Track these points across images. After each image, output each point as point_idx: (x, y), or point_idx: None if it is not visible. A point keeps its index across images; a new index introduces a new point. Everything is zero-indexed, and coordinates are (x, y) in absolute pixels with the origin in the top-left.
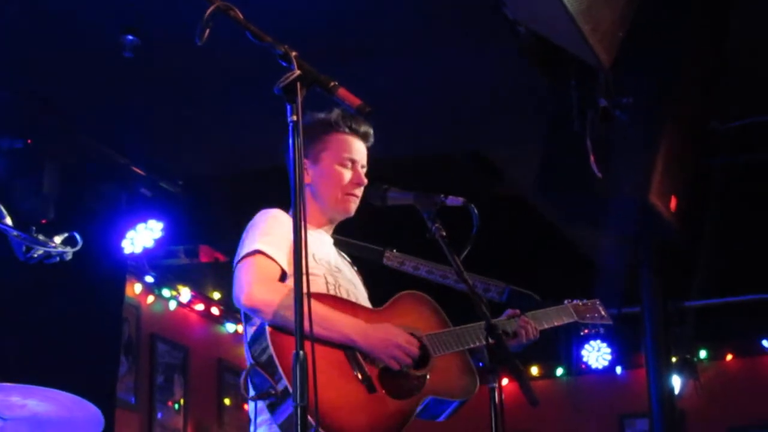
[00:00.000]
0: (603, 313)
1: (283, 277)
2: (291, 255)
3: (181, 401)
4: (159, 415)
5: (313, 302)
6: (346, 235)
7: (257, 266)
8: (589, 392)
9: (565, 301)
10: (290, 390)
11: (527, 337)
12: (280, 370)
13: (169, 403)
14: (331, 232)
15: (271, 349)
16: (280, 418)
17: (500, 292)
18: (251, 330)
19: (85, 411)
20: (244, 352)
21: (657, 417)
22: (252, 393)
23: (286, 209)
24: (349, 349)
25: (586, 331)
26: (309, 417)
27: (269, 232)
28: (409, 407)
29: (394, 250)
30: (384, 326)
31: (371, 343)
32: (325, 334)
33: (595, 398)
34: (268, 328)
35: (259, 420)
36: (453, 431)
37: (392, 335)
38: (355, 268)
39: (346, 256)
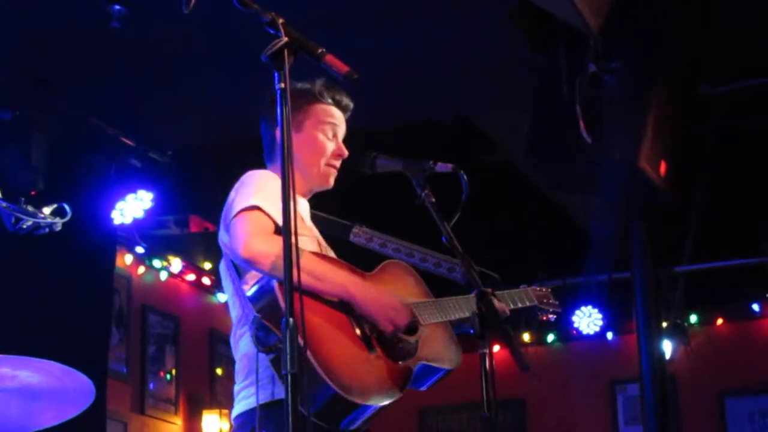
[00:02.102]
0: (553, 300)
1: (278, 233)
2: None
3: (173, 371)
4: (151, 386)
5: (312, 256)
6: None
7: (254, 220)
8: (581, 358)
9: (522, 286)
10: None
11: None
12: None
13: (161, 374)
14: (307, 199)
15: (281, 304)
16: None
17: (462, 272)
18: (247, 287)
19: (76, 381)
20: (238, 310)
21: (648, 382)
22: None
23: None
24: (349, 309)
25: (542, 317)
26: (320, 371)
27: (263, 189)
28: (406, 370)
29: (363, 226)
30: (381, 288)
31: (369, 302)
32: (322, 287)
33: (586, 364)
34: (275, 284)
35: (250, 380)
36: (445, 397)
37: (390, 297)
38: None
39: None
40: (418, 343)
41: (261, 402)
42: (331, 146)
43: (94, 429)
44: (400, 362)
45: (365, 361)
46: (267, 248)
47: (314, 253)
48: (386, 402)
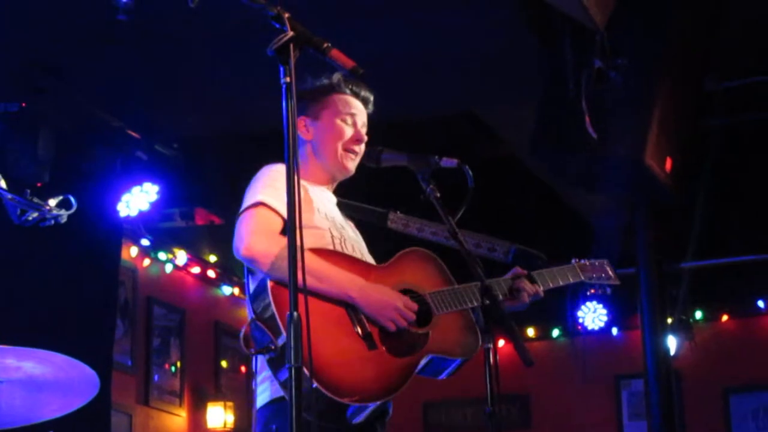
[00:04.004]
0: (610, 273)
1: (285, 229)
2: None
3: (178, 364)
4: (156, 378)
5: (313, 256)
6: (348, 198)
7: (258, 217)
8: (585, 353)
9: (573, 261)
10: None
11: (528, 297)
12: (281, 325)
13: (166, 366)
14: (332, 190)
15: (272, 304)
16: (283, 376)
17: (506, 252)
18: (254, 284)
19: (81, 373)
20: (246, 306)
21: (652, 377)
22: (253, 348)
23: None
24: (350, 306)
25: (592, 291)
26: (305, 370)
27: (272, 184)
28: (409, 365)
29: (398, 212)
30: (383, 288)
31: (369, 303)
32: (322, 288)
33: (590, 359)
34: (269, 283)
35: (261, 376)
36: (449, 391)
37: (391, 297)
38: (358, 232)
39: (348, 218)
40: (429, 335)
41: (268, 400)
42: (349, 131)
43: (99, 421)
44: (403, 357)
45: (362, 360)
46: (267, 248)
47: (316, 251)
48: (382, 400)
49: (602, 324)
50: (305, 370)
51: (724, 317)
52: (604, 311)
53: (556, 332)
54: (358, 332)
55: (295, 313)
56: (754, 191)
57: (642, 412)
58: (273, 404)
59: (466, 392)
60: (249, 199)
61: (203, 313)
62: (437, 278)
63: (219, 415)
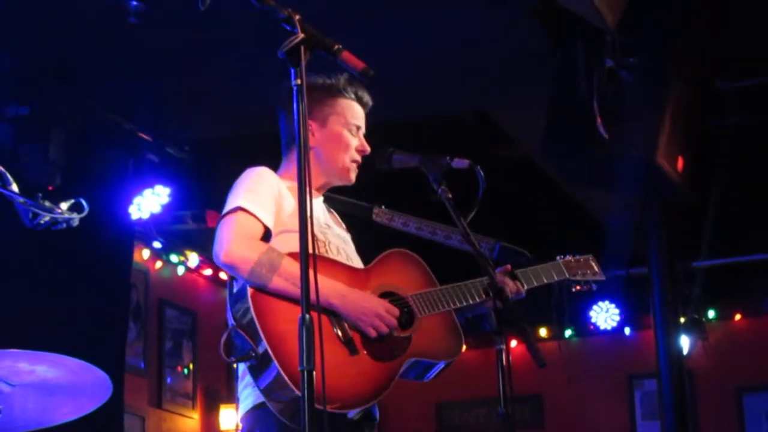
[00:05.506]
0: (596, 269)
1: (266, 235)
2: (277, 213)
3: (190, 366)
4: (168, 380)
5: (293, 262)
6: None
7: (238, 223)
8: (598, 353)
9: (558, 258)
10: (270, 353)
11: (510, 294)
12: (261, 333)
13: (179, 368)
14: (321, 193)
15: (252, 312)
16: (264, 383)
17: (491, 249)
18: (236, 288)
19: (93, 376)
20: (226, 312)
21: (665, 377)
22: (233, 355)
23: (273, 169)
24: (331, 311)
25: (578, 287)
26: (287, 379)
27: (253, 189)
28: (391, 369)
29: (383, 206)
30: (364, 294)
31: (349, 309)
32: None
33: (603, 359)
34: (249, 290)
35: (244, 383)
36: (462, 392)
37: (372, 304)
38: (344, 226)
39: (335, 212)
40: (412, 338)
41: (251, 406)
42: (355, 142)
43: (112, 424)
44: (385, 361)
45: (342, 366)
46: (247, 254)
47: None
48: (364, 406)
49: (614, 324)
50: (287, 379)
51: (737, 316)
52: (617, 311)
53: (568, 332)
54: (339, 337)
55: (306, 316)
56: (766, 189)
57: (655, 412)
58: (256, 410)
59: (479, 393)
60: (230, 203)
61: (215, 315)
62: (420, 279)
63: (232, 417)
